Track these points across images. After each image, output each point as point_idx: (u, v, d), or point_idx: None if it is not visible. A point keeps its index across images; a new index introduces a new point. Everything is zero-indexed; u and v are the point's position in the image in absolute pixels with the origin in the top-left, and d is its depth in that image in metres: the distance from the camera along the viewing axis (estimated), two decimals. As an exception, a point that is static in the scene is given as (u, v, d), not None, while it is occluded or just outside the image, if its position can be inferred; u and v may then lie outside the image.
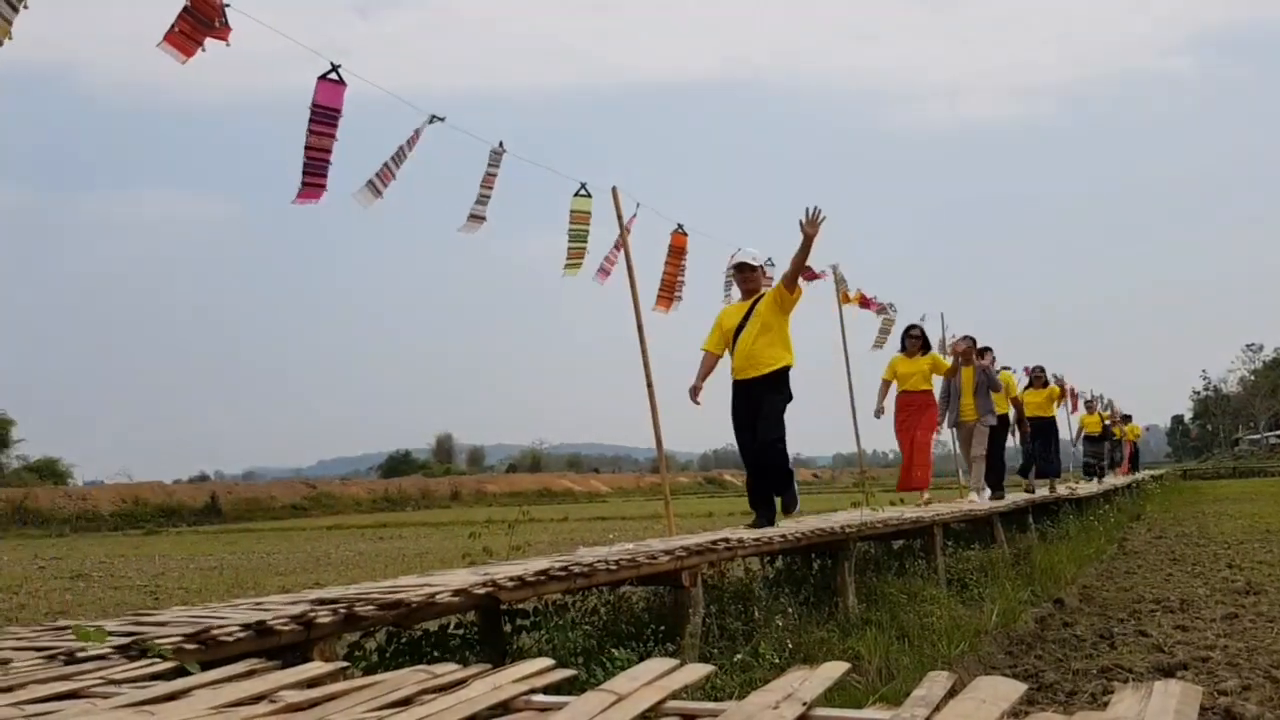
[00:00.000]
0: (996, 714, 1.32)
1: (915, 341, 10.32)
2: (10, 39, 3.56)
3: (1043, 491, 13.64)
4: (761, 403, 6.76)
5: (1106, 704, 1.47)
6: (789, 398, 6.90)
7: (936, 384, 10.64)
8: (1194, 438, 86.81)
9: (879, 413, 10.24)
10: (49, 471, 47.88)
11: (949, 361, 10.67)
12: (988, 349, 11.98)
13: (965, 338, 11.09)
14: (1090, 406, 21.28)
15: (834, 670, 1.69)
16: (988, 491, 11.12)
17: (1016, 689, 1.45)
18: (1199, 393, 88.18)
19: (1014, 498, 12.55)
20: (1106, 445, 22.62)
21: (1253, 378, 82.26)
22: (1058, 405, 16.99)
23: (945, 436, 12.61)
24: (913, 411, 10.22)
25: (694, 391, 6.95)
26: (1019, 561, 9.33)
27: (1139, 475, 27.12)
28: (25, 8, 3.56)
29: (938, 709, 1.40)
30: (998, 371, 12.07)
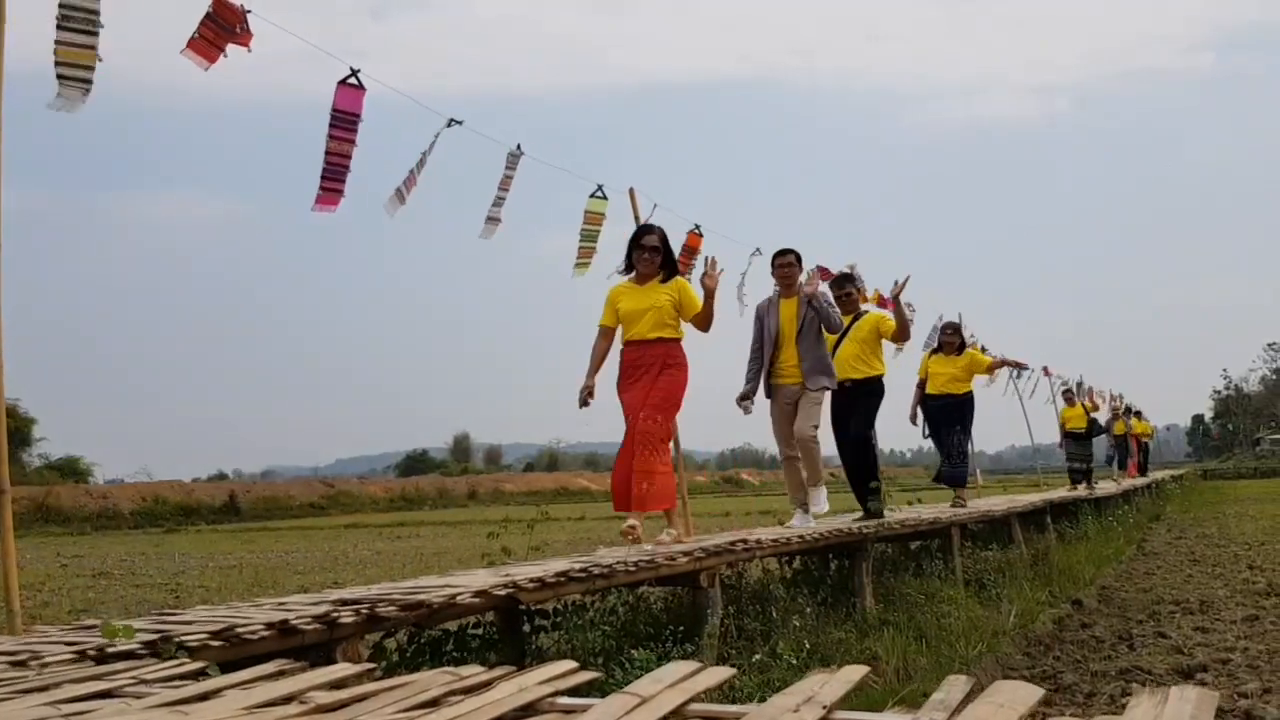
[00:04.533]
0: (1014, 718, 1.34)
1: (650, 256, 5.84)
2: (100, 59, 3.70)
3: (940, 508, 9.32)
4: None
5: (1124, 706, 1.49)
6: None
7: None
8: (1215, 437, 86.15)
9: (587, 395, 5.82)
10: (70, 470, 48.24)
11: (708, 294, 5.78)
12: (848, 276, 8.20)
13: (786, 250, 7.16)
14: (1069, 397, 17.42)
15: (854, 674, 1.71)
16: (823, 505, 7.10)
17: (1034, 693, 1.47)
18: (1220, 392, 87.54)
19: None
20: (1096, 442, 19.40)
21: (1274, 377, 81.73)
22: (1012, 382, 14.63)
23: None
24: (642, 375, 5.76)
25: None
26: (1037, 562, 9.31)
27: (1148, 478, 23.94)
28: (102, 26, 3.69)
29: (956, 712, 1.42)
30: (862, 313, 7.88)
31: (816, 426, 7.07)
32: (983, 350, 17.11)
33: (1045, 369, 20.23)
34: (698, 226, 7.99)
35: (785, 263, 7.21)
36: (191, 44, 4.45)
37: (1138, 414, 24.75)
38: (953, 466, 9.61)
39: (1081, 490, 15.21)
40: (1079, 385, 20.72)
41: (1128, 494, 17.67)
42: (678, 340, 5.96)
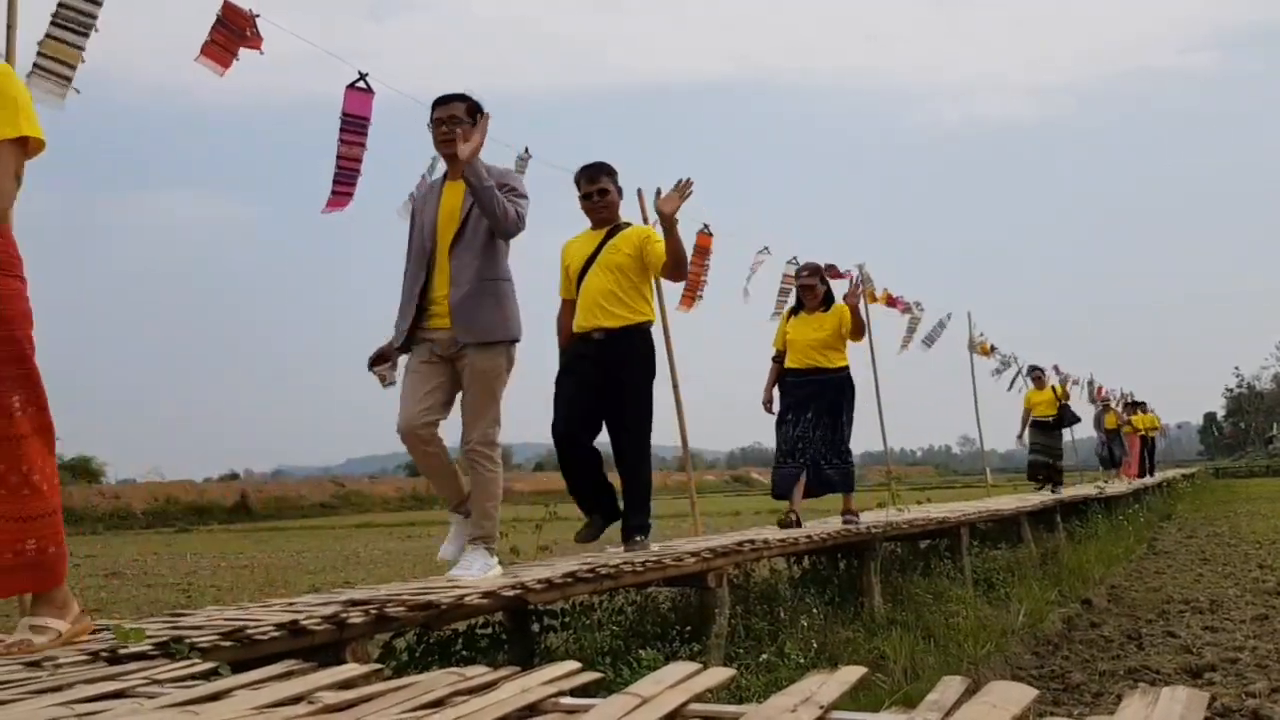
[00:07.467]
0: (1007, 718, 1.36)
1: None
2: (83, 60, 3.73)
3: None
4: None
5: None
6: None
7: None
8: (1227, 435, 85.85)
9: None
10: (82, 470, 48.41)
11: None
12: (607, 169, 5.03)
13: (451, 97, 4.21)
14: (1039, 379, 13.74)
15: (852, 674, 1.74)
16: (490, 569, 4.07)
17: (1028, 694, 1.49)
18: (1232, 390, 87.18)
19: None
20: (1088, 441, 18.07)
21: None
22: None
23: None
24: None
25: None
26: (1046, 561, 9.31)
27: (1152, 479, 21.04)
28: (96, 31, 3.72)
29: (949, 713, 1.44)
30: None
31: (497, 425, 4.20)
32: (991, 349, 16.94)
33: (1055, 367, 20.14)
34: (706, 226, 8.03)
35: (447, 116, 4.18)
36: (205, 50, 4.51)
37: (1139, 405, 22.15)
38: (833, 467, 6.91)
39: (1046, 492, 12.93)
40: (1090, 383, 20.47)
41: (1138, 493, 17.57)
42: None
